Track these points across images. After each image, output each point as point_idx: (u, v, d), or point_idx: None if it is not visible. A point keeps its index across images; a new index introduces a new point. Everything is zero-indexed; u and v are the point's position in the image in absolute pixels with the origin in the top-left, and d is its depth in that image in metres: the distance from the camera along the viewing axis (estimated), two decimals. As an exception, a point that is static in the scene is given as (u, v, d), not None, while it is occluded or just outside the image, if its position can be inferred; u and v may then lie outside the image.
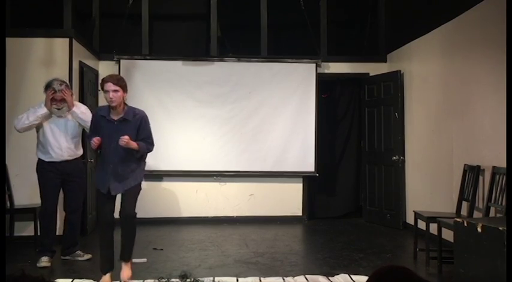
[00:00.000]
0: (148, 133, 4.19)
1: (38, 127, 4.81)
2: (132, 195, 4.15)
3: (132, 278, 4.19)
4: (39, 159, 4.86)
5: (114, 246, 4.24)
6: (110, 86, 3.99)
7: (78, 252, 5.02)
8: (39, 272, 4.55)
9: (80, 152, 5.05)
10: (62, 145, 4.81)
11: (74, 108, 4.82)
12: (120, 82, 4.05)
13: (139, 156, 4.17)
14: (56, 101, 4.73)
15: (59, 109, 4.76)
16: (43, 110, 4.72)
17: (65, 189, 4.94)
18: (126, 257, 4.19)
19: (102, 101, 6.94)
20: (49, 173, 4.81)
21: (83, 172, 5.25)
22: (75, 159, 4.95)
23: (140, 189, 4.24)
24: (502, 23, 4.30)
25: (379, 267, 1.63)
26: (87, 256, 5.00)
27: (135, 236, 4.24)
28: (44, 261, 4.76)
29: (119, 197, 4.23)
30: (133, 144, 4.03)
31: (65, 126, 4.83)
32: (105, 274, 4.16)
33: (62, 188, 4.93)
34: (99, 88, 6.80)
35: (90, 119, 4.71)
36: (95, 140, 4.01)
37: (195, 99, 7.17)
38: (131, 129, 4.08)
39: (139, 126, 4.11)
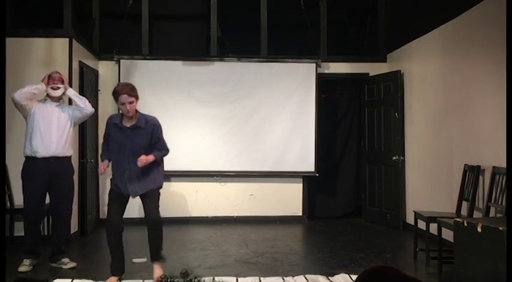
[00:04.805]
0: (160, 139, 4.25)
1: (30, 114, 4.64)
2: (153, 200, 4.20)
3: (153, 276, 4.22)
4: (26, 158, 4.66)
5: (123, 249, 4.27)
6: (126, 99, 4.03)
7: (64, 259, 4.73)
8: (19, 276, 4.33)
9: (70, 152, 4.82)
10: (53, 135, 4.63)
11: (70, 89, 4.81)
12: (134, 92, 4.11)
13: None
14: (53, 79, 4.72)
15: (55, 89, 4.71)
16: (40, 84, 4.68)
17: (51, 191, 4.70)
18: (155, 258, 4.25)
19: (102, 101, 6.98)
20: (35, 173, 4.59)
21: (71, 174, 4.91)
22: (63, 158, 4.73)
23: (159, 193, 4.28)
24: (502, 23, 4.29)
25: (365, 268, 1.63)
26: (72, 264, 4.71)
27: (162, 237, 4.29)
28: (25, 265, 4.58)
29: (131, 201, 4.26)
30: (150, 159, 4.10)
31: (58, 117, 4.71)
32: (112, 275, 4.19)
33: (48, 191, 4.72)
34: (99, 88, 6.98)
35: (87, 104, 4.82)
36: (102, 169, 4.13)
37: (195, 99, 7.17)
38: (144, 136, 4.14)
39: (151, 133, 4.17)
